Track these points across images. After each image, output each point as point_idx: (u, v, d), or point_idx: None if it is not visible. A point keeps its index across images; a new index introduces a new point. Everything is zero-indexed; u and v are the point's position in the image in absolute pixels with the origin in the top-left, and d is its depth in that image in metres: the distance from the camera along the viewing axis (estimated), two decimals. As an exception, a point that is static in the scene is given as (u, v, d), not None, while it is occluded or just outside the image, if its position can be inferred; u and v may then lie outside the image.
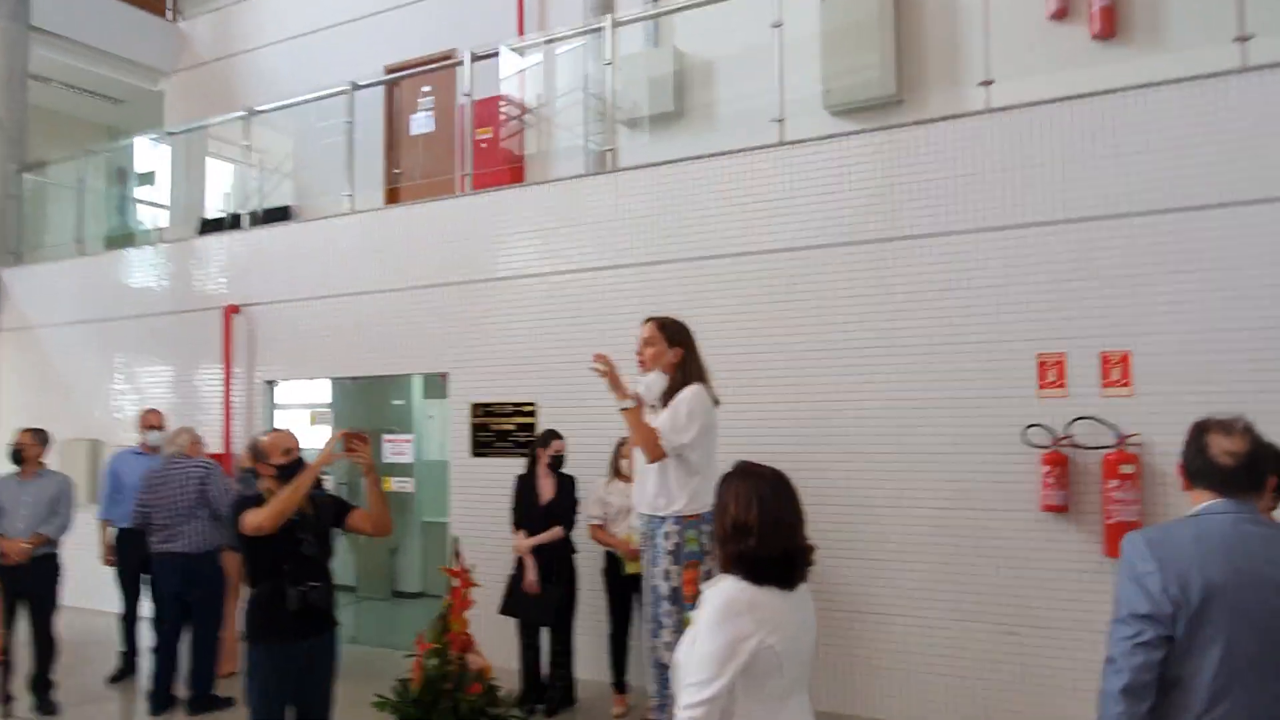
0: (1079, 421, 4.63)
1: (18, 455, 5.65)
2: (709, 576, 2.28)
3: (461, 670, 3.90)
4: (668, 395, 3.59)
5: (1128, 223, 4.63)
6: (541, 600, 5.24)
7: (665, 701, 3.47)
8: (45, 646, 5.61)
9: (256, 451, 3.68)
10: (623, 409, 3.60)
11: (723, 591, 2.18)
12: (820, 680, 5.04)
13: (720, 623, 2.13)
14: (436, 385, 8.10)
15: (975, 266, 4.94)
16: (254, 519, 3.48)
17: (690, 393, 3.55)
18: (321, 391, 8.83)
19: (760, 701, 2.16)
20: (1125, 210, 4.64)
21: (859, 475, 5.15)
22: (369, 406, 8.75)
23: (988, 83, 5.20)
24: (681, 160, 5.79)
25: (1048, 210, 4.80)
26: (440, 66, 8.06)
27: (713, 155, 5.68)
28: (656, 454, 3.48)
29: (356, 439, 3.71)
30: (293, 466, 3.62)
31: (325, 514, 3.79)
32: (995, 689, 4.80)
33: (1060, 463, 4.63)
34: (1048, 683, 4.67)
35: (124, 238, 9.41)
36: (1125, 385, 4.60)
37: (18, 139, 9.17)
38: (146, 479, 5.59)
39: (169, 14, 10.71)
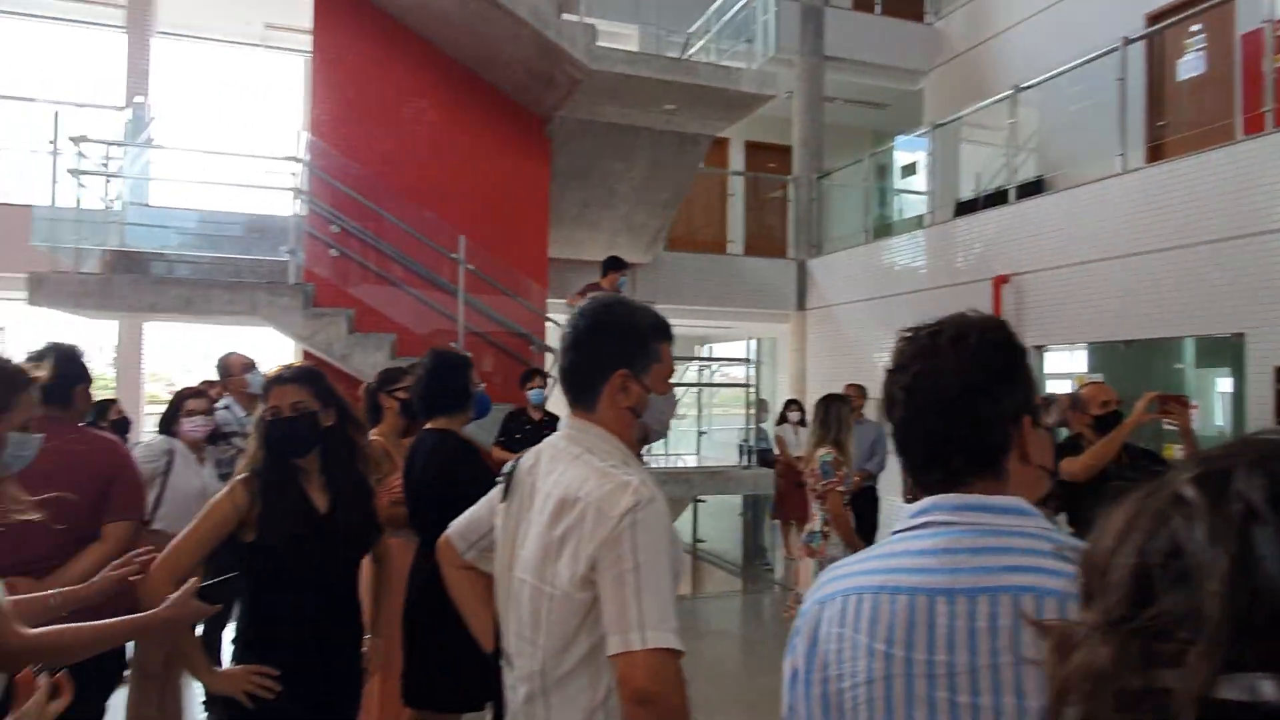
0: None
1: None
2: None
3: None
4: None
5: None
6: None
7: None
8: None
9: (1075, 401, 4.03)
10: None
11: None
12: None
13: None
14: (1212, 352, 7.47)
15: None
16: (1069, 466, 3.78)
17: None
18: (1078, 357, 8.90)
19: None
20: None
21: None
22: (1133, 371, 8.50)
23: None
24: None
25: None
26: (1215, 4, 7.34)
27: None
28: None
29: (1174, 401, 3.77)
30: (1109, 419, 3.86)
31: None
32: None
33: None
34: None
35: (890, 225, 10.81)
36: None
37: (816, 152, 11.24)
38: None
39: (927, 17, 11.84)
